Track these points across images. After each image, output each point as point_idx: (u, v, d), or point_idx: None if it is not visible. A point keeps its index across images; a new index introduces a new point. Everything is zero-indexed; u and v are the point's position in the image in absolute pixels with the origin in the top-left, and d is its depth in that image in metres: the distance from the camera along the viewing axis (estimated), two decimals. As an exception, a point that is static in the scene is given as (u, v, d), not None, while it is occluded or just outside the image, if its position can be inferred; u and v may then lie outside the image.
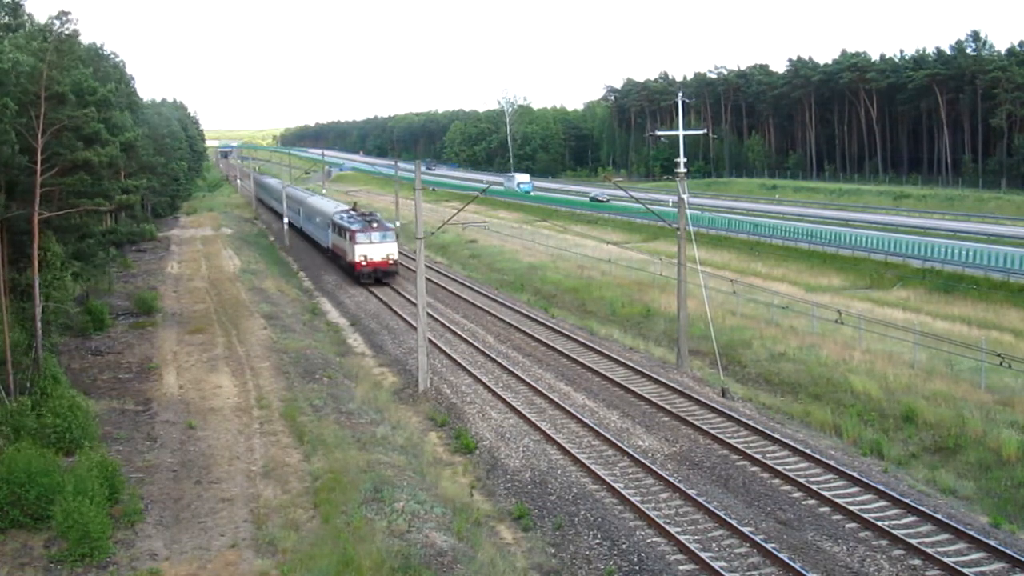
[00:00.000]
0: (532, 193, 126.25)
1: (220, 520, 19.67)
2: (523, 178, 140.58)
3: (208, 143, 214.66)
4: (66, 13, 25.30)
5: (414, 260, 35.25)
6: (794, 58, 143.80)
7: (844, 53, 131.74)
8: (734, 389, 31.67)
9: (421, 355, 32.15)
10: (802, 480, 22.79)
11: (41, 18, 29.14)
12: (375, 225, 55.12)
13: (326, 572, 16.79)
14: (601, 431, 26.90)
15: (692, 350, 35.31)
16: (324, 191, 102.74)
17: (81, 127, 27.82)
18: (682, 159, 34.29)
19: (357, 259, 53.54)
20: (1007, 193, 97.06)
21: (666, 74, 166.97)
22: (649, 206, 40.91)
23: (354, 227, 54.63)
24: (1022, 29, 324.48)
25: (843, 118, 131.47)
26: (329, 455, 23.36)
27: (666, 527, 20.21)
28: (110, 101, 33.26)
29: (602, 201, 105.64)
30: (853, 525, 20.49)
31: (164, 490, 21.36)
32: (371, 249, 53.72)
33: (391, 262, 54.28)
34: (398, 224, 64.52)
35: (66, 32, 25.45)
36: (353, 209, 61.96)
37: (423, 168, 44.76)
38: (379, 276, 53.88)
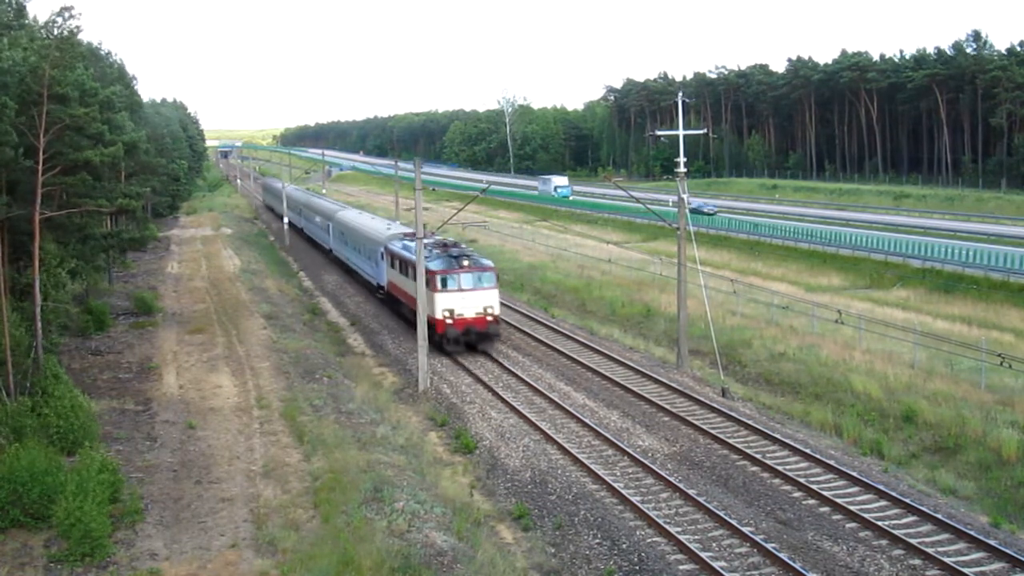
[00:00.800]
0: (571, 198, 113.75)
1: (220, 520, 19.67)
2: (561, 181, 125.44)
3: (208, 143, 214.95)
4: (68, 8, 25.21)
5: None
6: (794, 58, 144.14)
7: (844, 53, 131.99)
8: (734, 389, 31.68)
9: (421, 355, 32.14)
10: (802, 480, 22.81)
11: (43, 20, 29.10)
12: (466, 263, 36.35)
13: (326, 572, 16.79)
14: (601, 431, 26.91)
15: (692, 350, 35.31)
16: (324, 191, 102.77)
17: (83, 127, 27.80)
18: (682, 159, 34.31)
19: (439, 315, 35.51)
20: (1007, 193, 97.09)
21: (666, 74, 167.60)
22: (649, 206, 40.91)
23: (432, 266, 35.96)
24: (1022, 29, 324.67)
25: (843, 118, 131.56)
26: (329, 455, 23.35)
27: (666, 527, 20.23)
28: (112, 103, 33.22)
29: (709, 213, 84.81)
30: (853, 525, 20.51)
31: (164, 490, 21.36)
32: (460, 300, 35.75)
33: (490, 318, 36.18)
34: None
35: (68, 28, 25.37)
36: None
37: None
38: (472, 341, 36.14)
